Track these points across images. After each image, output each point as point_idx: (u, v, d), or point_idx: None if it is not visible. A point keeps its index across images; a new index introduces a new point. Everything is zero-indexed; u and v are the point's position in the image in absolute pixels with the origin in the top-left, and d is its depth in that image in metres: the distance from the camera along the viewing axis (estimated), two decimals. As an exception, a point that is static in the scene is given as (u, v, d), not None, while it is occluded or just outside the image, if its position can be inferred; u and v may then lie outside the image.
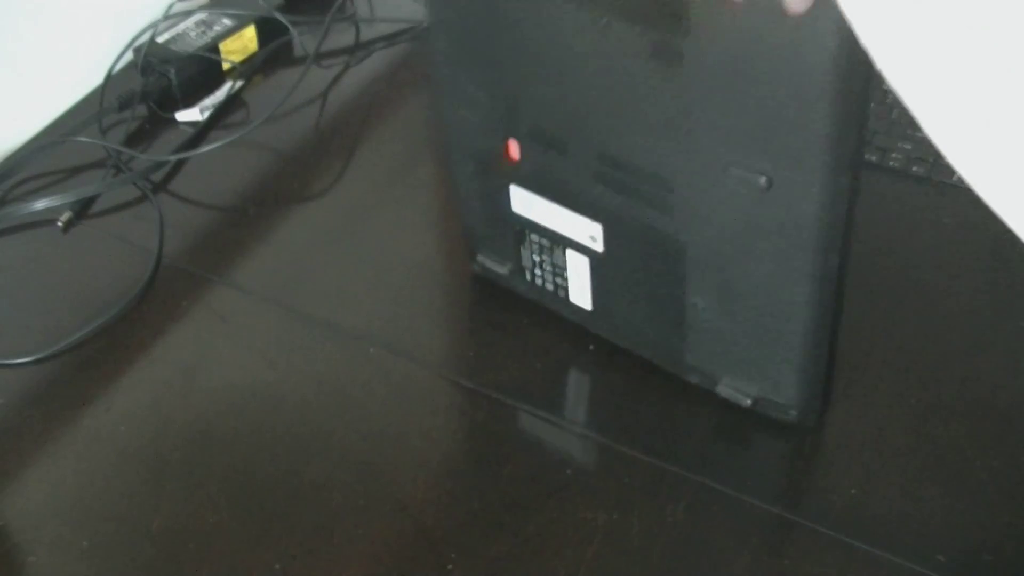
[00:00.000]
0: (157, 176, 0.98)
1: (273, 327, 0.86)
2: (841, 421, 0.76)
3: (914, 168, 0.94)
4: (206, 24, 1.09)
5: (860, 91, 0.67)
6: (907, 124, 0.94)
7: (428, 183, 1.02)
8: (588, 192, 0.76)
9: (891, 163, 0.94)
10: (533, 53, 0.78)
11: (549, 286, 0.80)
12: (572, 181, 0.77)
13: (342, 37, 1.12)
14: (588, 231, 0.76)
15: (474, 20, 0.79)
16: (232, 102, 1.06)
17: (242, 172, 0.99)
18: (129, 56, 1.07)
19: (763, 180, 0.69)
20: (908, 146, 0.95)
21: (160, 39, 1.07)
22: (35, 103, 1.03)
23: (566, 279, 0.79)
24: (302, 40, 1.11)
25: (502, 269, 0.80)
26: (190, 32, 1.08)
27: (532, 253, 0.80)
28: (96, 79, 1.05)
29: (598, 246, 0.76)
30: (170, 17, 1.08)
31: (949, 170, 0.93)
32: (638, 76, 0.74)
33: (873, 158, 0.94)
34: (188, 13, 1.10)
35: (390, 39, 1.13)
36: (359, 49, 1.12)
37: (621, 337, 0.79)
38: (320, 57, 1.08)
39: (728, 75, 0.71)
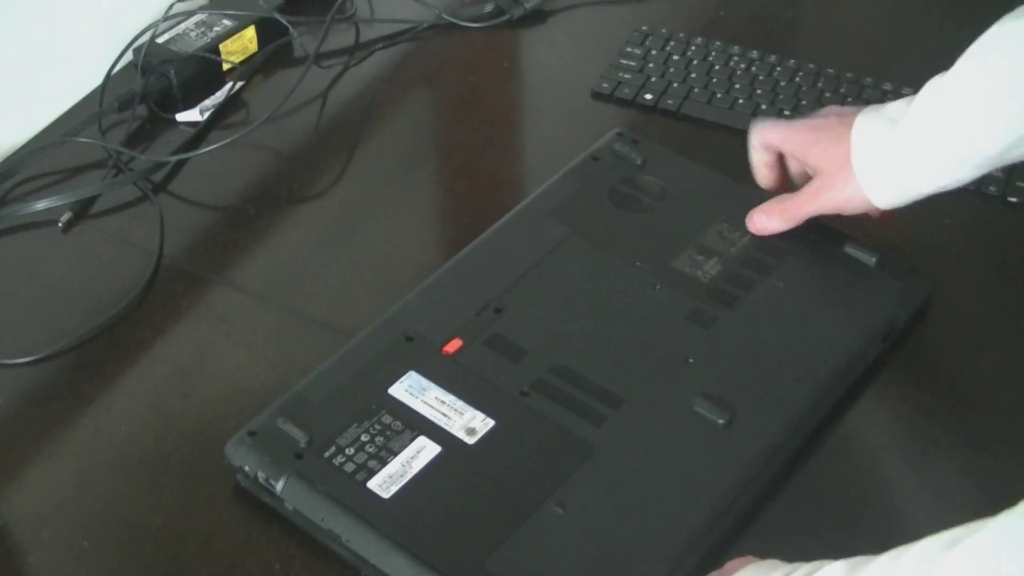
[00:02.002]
0: (157, 176, 0.98)
1: (273, 327, 0.86)
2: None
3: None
4: (206, 24, 1.09)
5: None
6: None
7: (428, 183, 1.02)
8: (508, 393, 0.74)
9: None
10: (548, 279, 0.81)
11: (349, 467, 0.70)
12: (501, 382, 0.75)
13: (342, 37, 1.12)
14: (472, 424, 0.73)
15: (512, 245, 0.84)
16: (232, 102, 1.05)
17: (242, 172, 0.99)
18: (129, 56, 1.07)
19: (723, 420, 0.72)
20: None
21: (160, 39, 1.06)
22: (35, 103, 1.03)
23: (385, 463, 0.70)
24: (302, 40, 1.11)
25: (300, 436, 0.71)
26: (190, 32, 1.08)
27: (365, 432, 0.72)
28: (96, 79, 1.05)
29: (471, 439, 0.72)
30: (170, 17, 1.08)
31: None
32: (662, 324, 0.78)
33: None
34: (188, 13, 1.10)
35: (390, 39, 1.13)
36: (359, 49, 1.12)
37: (399, 531, 0.68)
38: (320, 57, 1.08)
39: (749, 341, 0.77)
